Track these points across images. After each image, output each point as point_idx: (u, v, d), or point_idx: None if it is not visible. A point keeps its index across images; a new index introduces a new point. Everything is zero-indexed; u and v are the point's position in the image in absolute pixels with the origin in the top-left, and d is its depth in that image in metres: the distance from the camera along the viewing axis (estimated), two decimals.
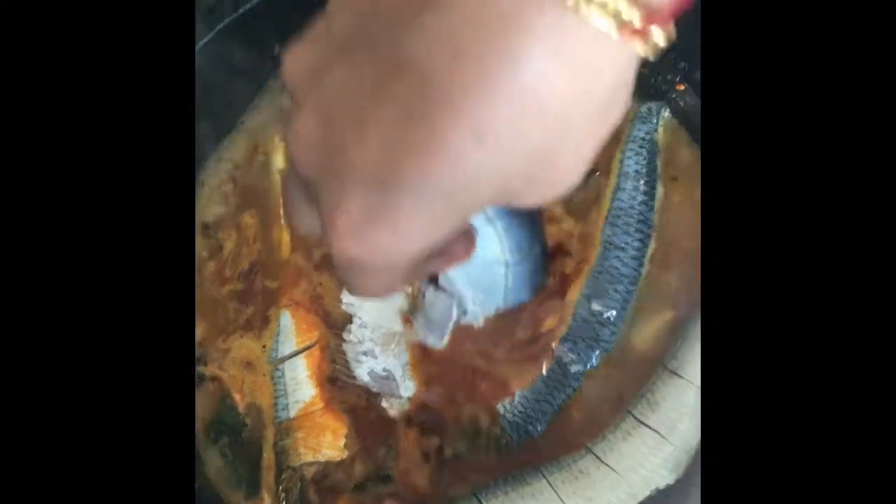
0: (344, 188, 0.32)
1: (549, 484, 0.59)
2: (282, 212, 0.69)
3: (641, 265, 0.62)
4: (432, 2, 0.28)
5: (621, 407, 0.60)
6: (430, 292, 0.66)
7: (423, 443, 0.64)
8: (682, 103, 0.60)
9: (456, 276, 0.62)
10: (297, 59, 0.34)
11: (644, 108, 0.63)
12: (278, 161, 0.70)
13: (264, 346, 0.69)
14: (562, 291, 0.64)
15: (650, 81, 0.62)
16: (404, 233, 0.32)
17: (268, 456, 0.68)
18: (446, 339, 0.65)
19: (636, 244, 0.62)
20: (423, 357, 0.66)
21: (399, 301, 0.66)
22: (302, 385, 0.68)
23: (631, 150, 0.63)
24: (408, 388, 0.66)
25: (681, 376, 0.57)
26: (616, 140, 0.63)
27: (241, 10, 0.63)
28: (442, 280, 0.64)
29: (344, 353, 0.67)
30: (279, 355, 0.68)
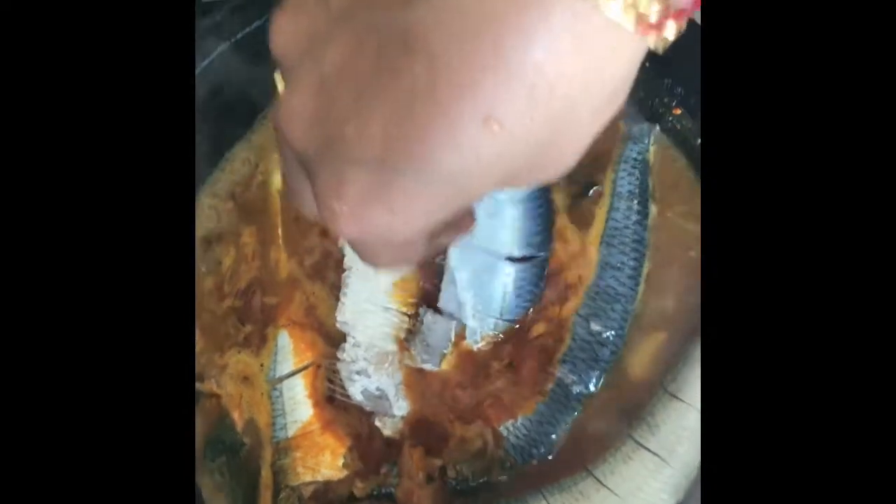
0: (341, 167, 0.30)
1: None
2: (280, 231, 0.70)
3: (638, 284, 0.63)
4: None
5: (621, 429, 0.60)
6: (429, 316, 0.66)
7: (426, 463, 0.63)
8: (678, 126, 0.61)
9: (460, 274, 0.62)
10: (288, 26, 0.31)
11: (636, 129, 0.63)
12: (276, 181, 0.70)
13: (262, 365, 0.68)
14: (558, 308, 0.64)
15: (647, 104, 0.62)
16: (402, 214, 0.31)
17: (266, 475, 0.67)
18: (442, 363, 0.65)
19: (632, 263, 0.62)
20: (418, 377, 0.66)
21: (394, 321, 0.67)
22: (300, 405, 0.67)
23: (623, 170, 0.63)
24: (401, 407, 0.66)
25: (681, 399, 0.57)
26: (608, 160, 0.64)
27: (243, 31, 0.63)
28: (441, 302, 0.64)
29: (338, 372, 0.67)
30: (277, 375, 0.68)
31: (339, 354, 0.67)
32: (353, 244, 0.34)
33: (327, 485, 0.66)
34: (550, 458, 0.62)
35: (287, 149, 0.34)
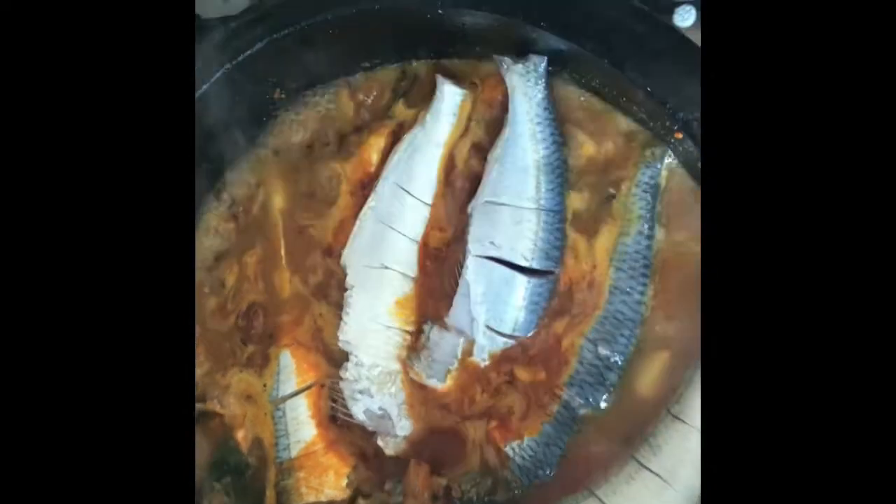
0: None
1: None
2: (282, 251, 0.70)
3: (644, 308, 0.63)
4: None
5: (624, 450, 0.60)
6: (435, 332, 0.66)
7: (431, 483, 0.63)
8: (680, 149, 0.61)
9: (476, 287, 0.62)
10: None
11: (648, 152, 0.63)
12: (278, 200, 0.70)
13: (265, 385, 0.69)
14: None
15: (649, 125, 0.62)
16: None
17: (270, 496, 0.67)
18: (448, 380, 0.65)
19: (640, 288, 0.62)
20: (422, 396, 0.66)
21: (396, 339, 0.67)
22: (303, 424, 0.68)
23: (634, 194, 0.63)
24: (404, 427, 0.66)
25: (684, 421, 0.57)
26: (618, 184, 0.64)
27: (244, 54, 0.63)
28: (451, 317, 0.64)
29: (341, 392, 0.67)
30: (280, 395, 0.68)
31: (341, 374, 0.67)
32: None
33: None
34: (553, 477, 0.62)
35: None
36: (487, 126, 0.66)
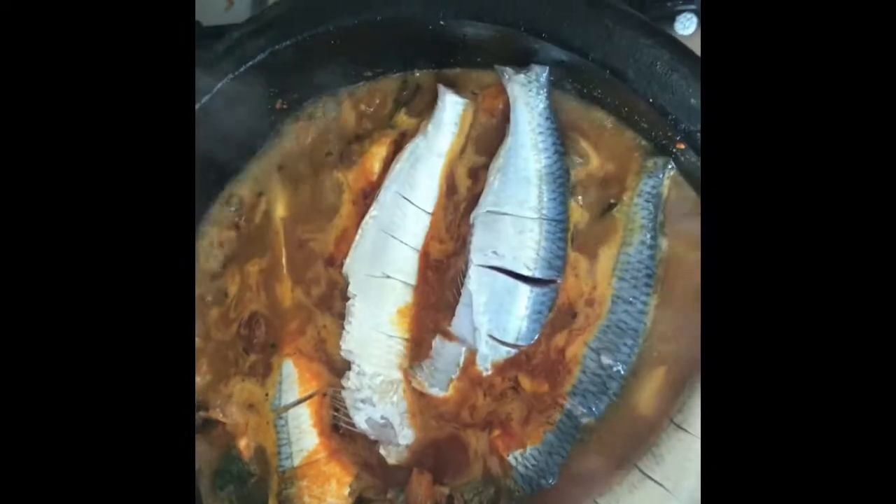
0: None
1: None
2: (284, 261, 0.70)
3: (647, 318, 0.63)
4: None
5: (627, 459, 0.60)
6: (437, 340, 0.66)
7: (433, 491, 0.63)
8: (682, 159, 0.61)
9: (479, 297, 0.62)
10: None
11: (650, 162, 0.63)
12: (280, 210, 0.70)
13: (267, 395, 0.69)
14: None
15: (651, 135, 0.62)
16: None
17: None
18: (450, 389, 0.65)
19: (643, 298, 0.62)
20: (425, 406, 0.66)
21: (398, 348, 0.67)
22: (305, 433, 0.68)
23: (637, 204, 0.63)
24: (406, 436, 0.66)
25: (687, 431, 0.57)
26: (621, 193, 0.64)
27: (247, 64, 0.63)
28: (453, 327, 0.64)
29: (343, 401, 0.67)
30: (282, 404, 0.68)
31: (343, 383, 0.67)
32: None
33: None
34: (556, 486, 0.62)
35: None
36: (488, 136, 0.66)
